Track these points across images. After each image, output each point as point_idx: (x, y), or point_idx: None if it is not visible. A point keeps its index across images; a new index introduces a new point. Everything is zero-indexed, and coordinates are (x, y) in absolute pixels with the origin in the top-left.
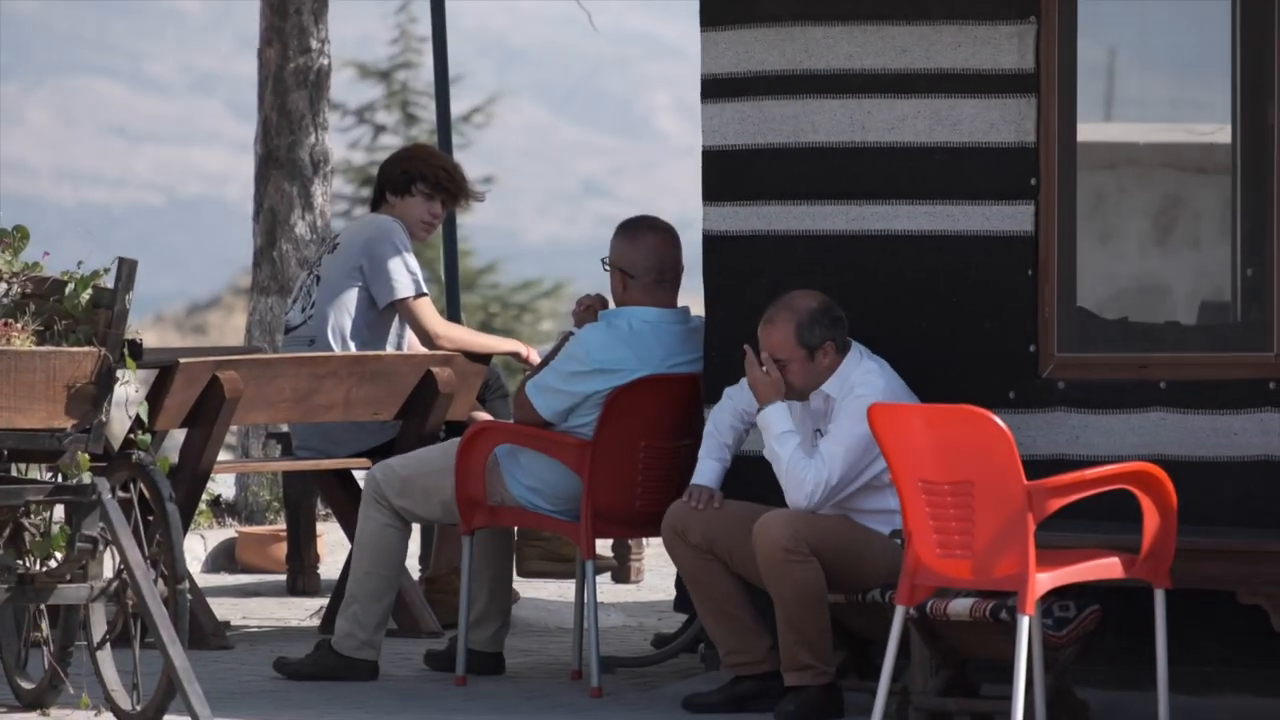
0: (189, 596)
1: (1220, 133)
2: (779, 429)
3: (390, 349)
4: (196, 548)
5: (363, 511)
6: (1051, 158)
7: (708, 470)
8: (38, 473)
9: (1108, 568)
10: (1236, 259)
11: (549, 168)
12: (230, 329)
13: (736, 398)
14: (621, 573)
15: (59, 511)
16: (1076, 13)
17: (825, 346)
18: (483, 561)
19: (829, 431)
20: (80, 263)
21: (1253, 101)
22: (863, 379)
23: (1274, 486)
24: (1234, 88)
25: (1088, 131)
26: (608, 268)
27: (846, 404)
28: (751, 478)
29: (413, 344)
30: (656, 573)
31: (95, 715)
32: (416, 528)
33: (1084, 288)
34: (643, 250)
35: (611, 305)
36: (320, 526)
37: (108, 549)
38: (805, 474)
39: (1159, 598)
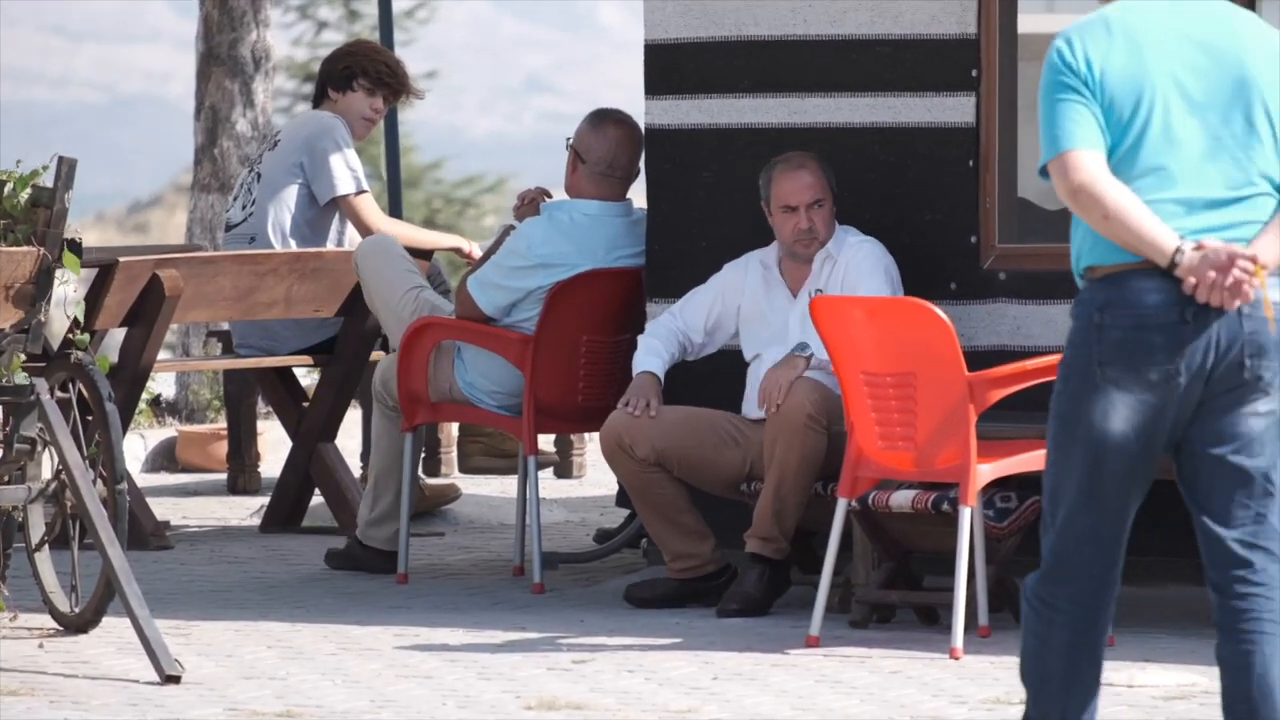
0: (128, 497)
1: None
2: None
3: (332, 246)
4: (136, 447)
5: (374, 409)
6: (992, 49)
7: (649, 363)
8: None
9: None
10: None
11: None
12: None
13: (679, 316)
14: (564, 468)
15: None
16: None
17: (835, 193)
18: (394, 461)
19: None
20: (19, 161)
21: None
22: (858, 237)
23: None
24: None
25: (1029, 23)
26: (568, 146)
27: (863, 249)
28: (699, 381)
29: (354, 240)
30: (598, 468)
31: (11, 619)
32: (357, 423)
33: (1025, 178)
34: (600, 139)
35: (555, 196)
36: (261, 425)
37: (46, 450)
38: None
39: None
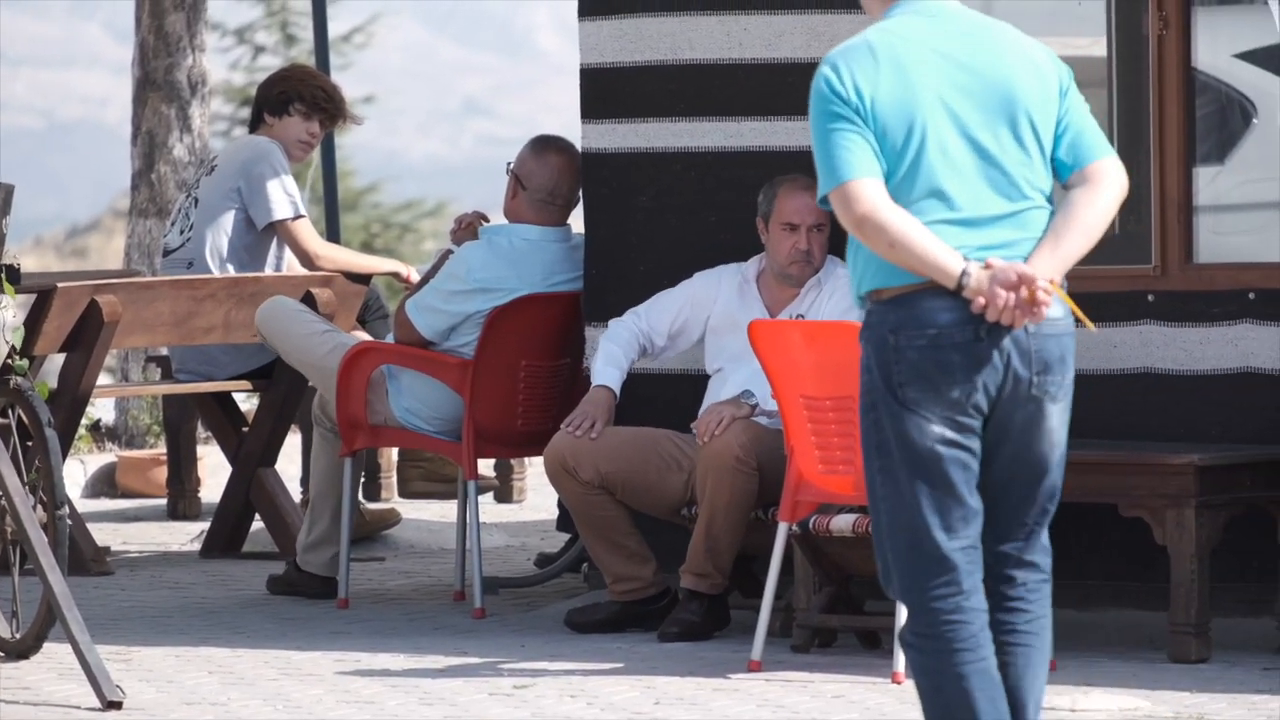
0: (69, 522)
1: (1095, 46)
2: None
3: (269, 270)
4: (76, 473)
5: (314, 433)
6: None
7: (610, 375)
8: None
9: None
10: None
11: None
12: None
13: (644, 316)
14: (504, 492)
15: None
16: None
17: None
18: (331, 485)
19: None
20: None
21: (1127, 14)
22: (843, 266)
23: (1154, 399)
24: (1108, 1)
25: None
26: (509, 172)
27: (841, 286)
28: (653, 396)
29: (292, 265)
30: (539, 492)
31: None
32: (297, 448)
33: None
34: (542, 167)
35: (491, 222)
36: (201, 450)
37: None
38: None
39: None
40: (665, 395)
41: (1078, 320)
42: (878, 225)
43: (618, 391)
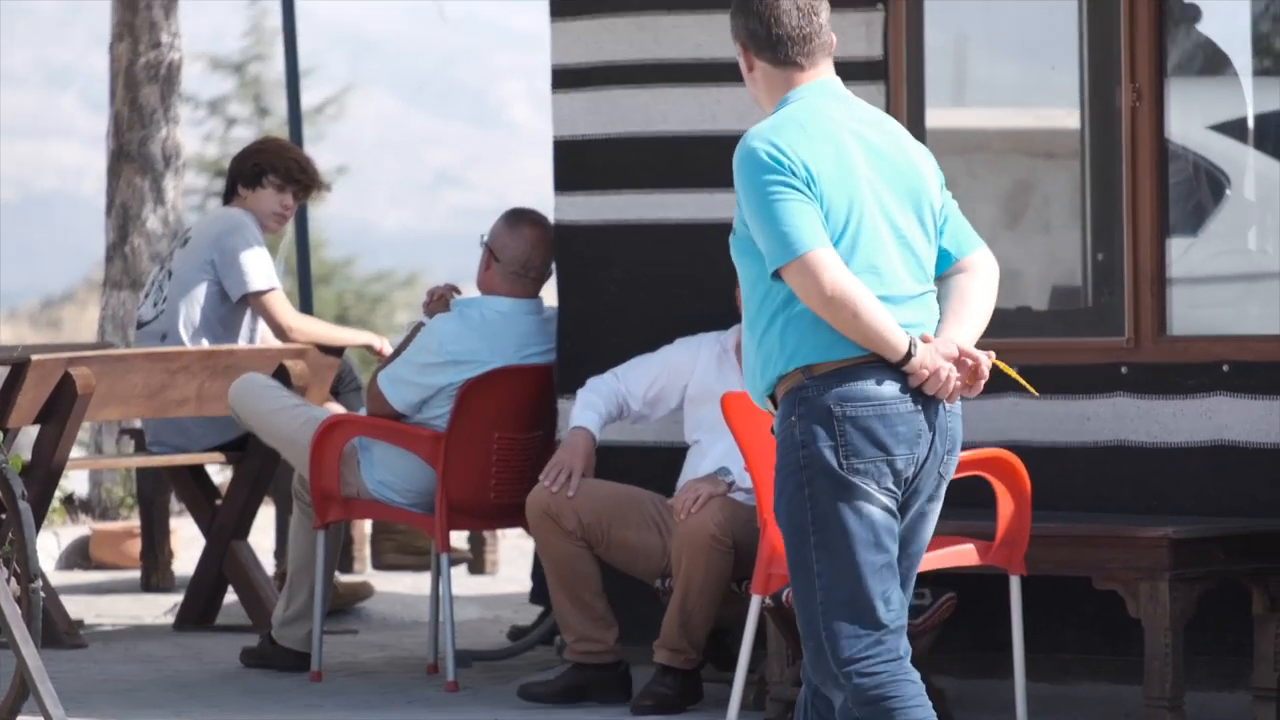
0: (43, 595)
1: (1069, 117)
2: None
3: (243, 343)
4: (50, 545)
5: (294, 506)
6: None
7: (587, 419)
8: None
9: (962, 555)
10: (1087, 244)
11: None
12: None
13: (622, 377)
14: (477, 565)
15: None
16: (923, 0)
17: None
18: (311, 559)
19: None
20: None
21: (1100, 86)
22: None
23: (1128, 471)
24: (1081, 72)
25: (937, 117)
26: (483, 244)
27: None
28: (629, 467)
29: (266, 337)
30: (512, 565)
31: None
32: (270, 521)
33: None
34: (515, 240)
35: (463, 294)
36: (174, 523)
37: None
38: None
39: (1014, 584)
40: (642, 466)
41: (1023, 387)
42: (846, 296)
43: (597, 435)
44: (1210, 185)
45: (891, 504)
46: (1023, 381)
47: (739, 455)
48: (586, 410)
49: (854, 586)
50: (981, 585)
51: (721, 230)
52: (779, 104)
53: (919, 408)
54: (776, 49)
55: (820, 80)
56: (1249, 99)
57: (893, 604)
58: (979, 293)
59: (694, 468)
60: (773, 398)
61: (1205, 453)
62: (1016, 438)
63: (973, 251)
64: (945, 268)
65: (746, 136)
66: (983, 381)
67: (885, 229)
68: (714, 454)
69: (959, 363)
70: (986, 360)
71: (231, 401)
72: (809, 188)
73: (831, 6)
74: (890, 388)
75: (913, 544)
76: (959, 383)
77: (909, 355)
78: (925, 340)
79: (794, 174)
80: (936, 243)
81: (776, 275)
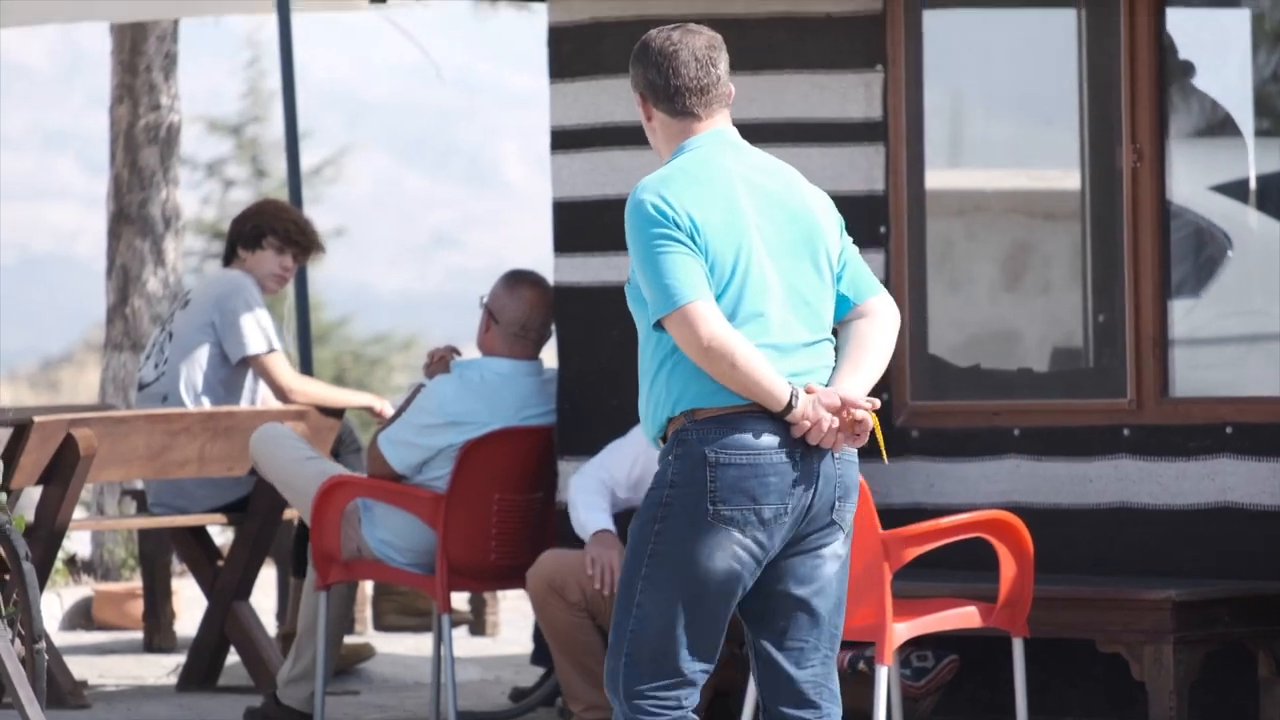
0: (46, 655)
1: (1068, 178)
2: None
3: (244, 404)
4: (53, 606)
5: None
6: (901, 206)
7: (602, 520)
8: None
9: (965, 617)
10: (1087, 304)
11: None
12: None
13: (604, 468)
14: (478, 626)
15: None
16: (922, 61)
17: None
18: (314, 620)
19: None
20: None
21: (1100, 146)
22: None
23: (1130, 533)
24: (1081, 132)
25: (936, 179)
26: (483, 305)
27: None
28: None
29: (266, 399)
30: (513, 625)
31: None
32: (272, 581)
33: (935, 335)
34: (515, 302)
35: (463, 355)
36: (176, 583)
37: None
38: None
39: (1017, 647)
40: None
41: (876, 449)
42: (723, 348)
43: (614, 529)
44: (1212, 246)
45: (756, 552)
46: (881, 443)
47: None
48: (595, 512)
49: (666, 628)
50: (985, 647)
51: None
52: (675, 153)
53: (797, 458)
54: (674, 100)
55: (716, 130)
56: (1251, 160)
57: (703, 660)
58: (876, 339)
59: None
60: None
61: (1209, 514)
62: (1019, 499)
63: (872, 297)
64: (844, 313)
65: (636, 188)
66: (867, 431)
67: (775, 277)
68: None
69: (842, 413)
70: (868, 408)
71: (251, 450)
72: (693, 240)
73: (830, 68)
74: (768, 438)
75: (813, 583)
76: (842, 433)
77: (790, 406)
78: (809, 391)
79: (678, 226)
80: (834, 289)
81: (659, 325)
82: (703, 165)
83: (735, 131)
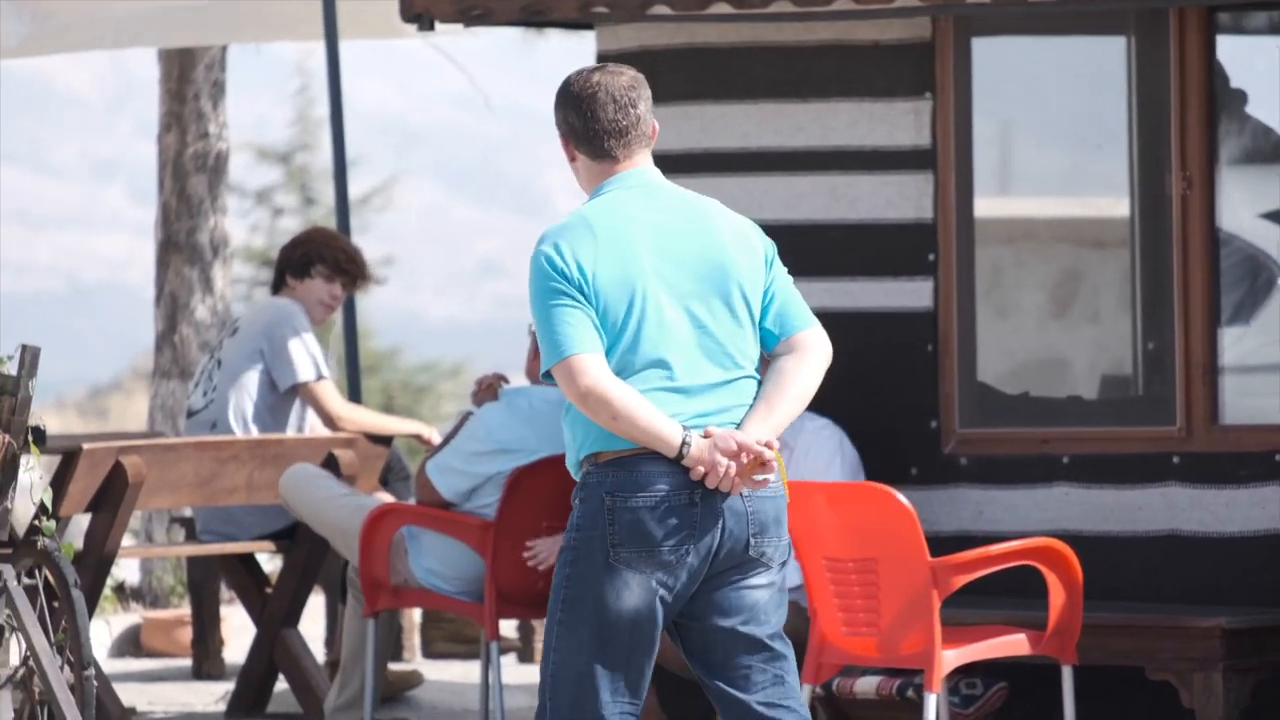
0: (95, 683)
1: (1117, 206)
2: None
3: (292, 431)
4: (101, 633)
5: (349, 595)
6: (949, 233)
7: None
8: None
9: (1014, 644)
10: (1137, 332)
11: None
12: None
13: None
14: (526, 653)
15: None
16: (971, 89)
17: None
18: (362, 647)
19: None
20: None
21: (1150, 173)
22: (816, 424)
23: (1179, 561)
24: (1130, 160)
25: (985, 206)
26: (531, 333)
27: (820, 438)
28: None
29: (315, 426)
30: None
31: None
32: (320, 609)
33: (984, 363)
34: None
35: (512, 383)
36: (224, 610)
37: (13, 636)
38: None
39: (1066, 674)
40: None
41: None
42: (601, 398)
43: None
44: (1262, 273)
45: (663, 594)
46: (784, 479)
47: None
48: None
49: (583, 671)
50: (1034, 675)
51: None
52: (593, 194)
53: (698, 499)
54: (594, 142)
55: (633, 171)
56: None
57: (624, 701)
58: (795, 375)
59: None
60: None
61: (1259, 542)
62: (1068, 527)
63: (800, 331)
64: (771, 348)
65: (539, 237)
66: (770, 473)
67: (679, 320)
68: None
69: (740, 456)
70: (764, 452)
71: (282, 491)
72: (582, 291)
73: (878, 96)
74: (667, 481)
75: (740, 613)
76: (739, 477)
77: (682, 453)
78: (707, 435)
79: (567, 279)
80: (755, 324)
81: (548, 375)
82: (605, 213)
83: (655, 171)
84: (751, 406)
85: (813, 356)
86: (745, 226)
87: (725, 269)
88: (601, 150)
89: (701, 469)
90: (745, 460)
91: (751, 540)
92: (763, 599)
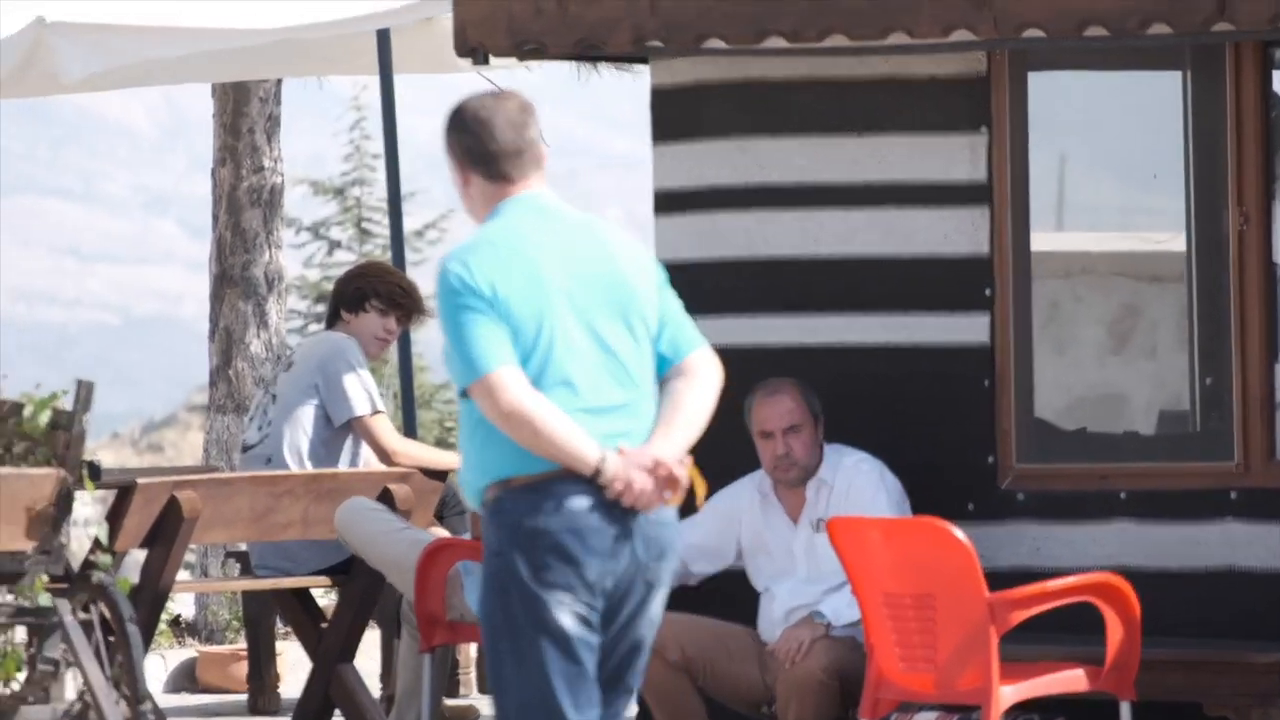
0: (151, 717)
1: (1174, 240)
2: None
3: (346, 466)
4: (157, 668)
5: (403, 630)
6: (1005, 268)
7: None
8: None
9: (1072, 680)
10: (1194, 367)
11: None
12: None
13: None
14: None
15: (20, 633)
16: (1027, 123)
17: (821, 419)
18: (417, 682)
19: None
20: (38, 385)
21: (1207, 208)
22: (853, 458)
23: (1238, 597)
24: (1187, 195)
25: (1041, 241)
26: None
27: (860, 471)
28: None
29: (370, 461)
30: None
31: None
32: (376, 644)
33: (1041, 398)
34: None
35: None
36: (280, 645)
37: (69, 671)
38: None
39: (1125, 710)
40: (726, 590)
41: (693, 497)
42: (524, 415)
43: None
44: None
45: (586, 614)
46: (698, 494)
47: (804, 591)
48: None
49: (544, 696)
50: (1092, 711)
51: (824, 354)
52: (489, 217)
53: (614, 520)
54: (489, 164)
55: (529, 194)
56: None
57: (584, 710)
58: (691, 397)
59: (769, 613)
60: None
61: None
62: (1125, 562)
63: (690, 354)
64: (663, 371)
65: (444, 257)
66: (683, 489)
67: (584, 340)
68: (782, 598)
69: (656, 471)
70: (677, 466)
71: (337, 525)
72: (494, 308)
73: (934, 130)
74: (582, 501)
75: (624, 652)
76: (654, 493)
77: (599, 470)
78: (621, 452)
79: (479, 295)
80: (651, 346)
81: (464, 394)
82: (508, 233)
83: (550, 194)
84: (651, 429)
85: (704, 379)
86: (640, 249)
87: (625, 290)
88: (497, 171)
89: (619, 485)
90: (661, 475)
91: (652, 565)
92: (647, 632)
